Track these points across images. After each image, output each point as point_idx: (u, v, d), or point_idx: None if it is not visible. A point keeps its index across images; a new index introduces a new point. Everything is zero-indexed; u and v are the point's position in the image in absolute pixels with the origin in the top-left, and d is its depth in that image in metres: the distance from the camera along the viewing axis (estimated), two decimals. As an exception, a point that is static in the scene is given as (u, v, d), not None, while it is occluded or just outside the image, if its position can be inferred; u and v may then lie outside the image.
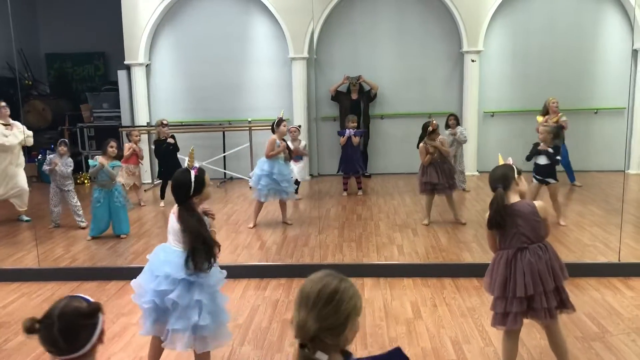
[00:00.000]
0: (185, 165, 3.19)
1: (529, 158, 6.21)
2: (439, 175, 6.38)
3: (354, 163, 8.15)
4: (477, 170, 9.40)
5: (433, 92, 9.71)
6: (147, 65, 9.76)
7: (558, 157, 6.11)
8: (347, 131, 8.04)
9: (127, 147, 7.93)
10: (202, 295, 3.01)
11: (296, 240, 6.00)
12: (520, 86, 9.54)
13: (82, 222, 6.81)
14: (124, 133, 8.97)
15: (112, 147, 6.33)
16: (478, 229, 6.24)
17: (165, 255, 3.10)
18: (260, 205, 6.60)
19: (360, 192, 8.27)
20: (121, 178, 7.55)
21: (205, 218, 3.13)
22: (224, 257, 5.49)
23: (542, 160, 6.12)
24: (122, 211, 6.36)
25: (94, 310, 1.82)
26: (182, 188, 3.07)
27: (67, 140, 6.96)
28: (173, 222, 3.10)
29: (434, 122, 6.59)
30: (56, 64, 11.64)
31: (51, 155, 6.74)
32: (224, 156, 9.55)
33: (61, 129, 10.13)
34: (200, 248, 2.97)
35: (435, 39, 9.64)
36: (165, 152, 7.68)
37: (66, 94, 11.35)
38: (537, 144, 6.18)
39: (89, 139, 10.16)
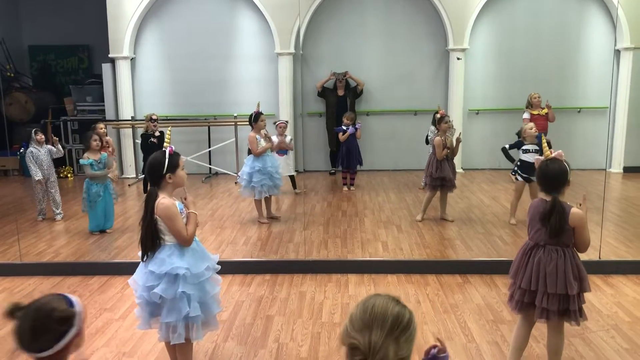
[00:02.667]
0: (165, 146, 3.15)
1: (510, 147, 6.26)
2: (451, 171, 6.34)
3: (354, 159, 8.20)
4: (462, 168, 9.47)
5: (419, 90, 9.76)
6: (132, 59, 9.68)
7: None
8: (350, 128, 8.07)
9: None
10: (187, 287, 3.01)
11: (281, 236, 6.00)
12: (504, 84, 9.62)
13: (60, 214, 6.77)
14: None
15: (95, 140, 6.24)
16: (462, 226, 6.30)
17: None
18: (260, 200, 6.55)
19: (352, 188, 8.30)
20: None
21: (181, 205, 3.10)
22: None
23: (529, 157, 6.17)
24: (112, 205, 6.35)
25: (65, 319, 1.80)
26: (156, 166, 3.04)
27: (40, 129, 6.80)
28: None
29: (441, 110, 6.61)
30: (39, 56, 11.48)
31: (31, 149, 6.62)
32: (209, 151, 9.51)
33: (44, 122, 10.00)
34: (143, 237, 3.02)
35: (421, 36, 9.67)
36: (150, 147, 7.62)
37: (49, 87, 11.21)
38: (521, 142, 6.24)
39: (73, 132, 10.05)
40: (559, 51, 9.55)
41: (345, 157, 8.19)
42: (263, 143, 6.42)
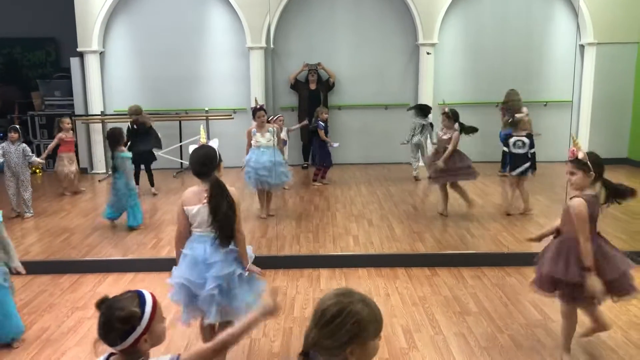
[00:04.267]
0: (200, 142, 3.28)
1: (506, 145, 6.39)
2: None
3: (327, 155, 8.28)
4: (432, 161, 9.62)
5: (389, 84, 9.86)
6: (101, 53, 9.55)
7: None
8: (320, 124, 8.14)
9: (57, 137, 7.79)
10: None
11: (254, 232, 6.04)
12: (472, 79, 9.78)
13: (29, 213, 6.70)
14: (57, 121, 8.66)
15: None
16: (431, 219, 6.44)
17: (206, 246, 3.12)
18: (259, 193, 6.60)
19: (325, 182, 8.37)
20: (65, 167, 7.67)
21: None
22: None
23: (519, 150, 6.33)
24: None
25: (127, 319, 1.85)
26: (211, 158, 3.16)
27: (17, 127, 6.73)
28: (198, 209, 3.11)
29: (446, 109, 6.81)
30: (5, 49, 11.25)
31: (3, 144, 6.57)
32: (180, 146, 9.46)
33: (11, 117, 9.83)
34: (226, 227, 3.08)
35: (391, 31, 9.77)
36: (135, 135, 7.62)
37: (16, 81, 10.98)
38: (509, 134, 6.36)
39: (41, 127, 9.89)
40: (525, 46, 9.74)
41: (318, 153, 8.26)
42: (259, 137, 6.42)
